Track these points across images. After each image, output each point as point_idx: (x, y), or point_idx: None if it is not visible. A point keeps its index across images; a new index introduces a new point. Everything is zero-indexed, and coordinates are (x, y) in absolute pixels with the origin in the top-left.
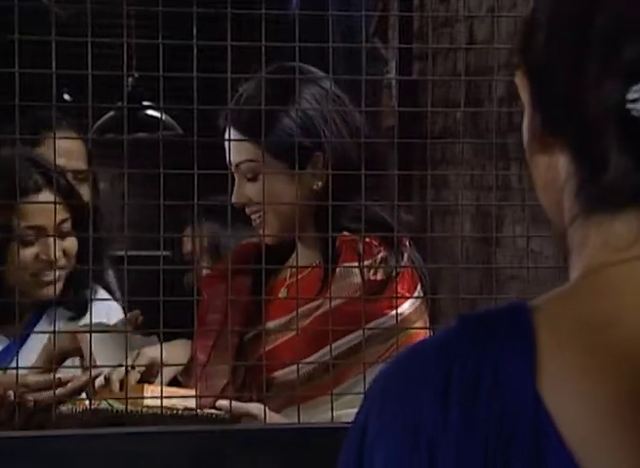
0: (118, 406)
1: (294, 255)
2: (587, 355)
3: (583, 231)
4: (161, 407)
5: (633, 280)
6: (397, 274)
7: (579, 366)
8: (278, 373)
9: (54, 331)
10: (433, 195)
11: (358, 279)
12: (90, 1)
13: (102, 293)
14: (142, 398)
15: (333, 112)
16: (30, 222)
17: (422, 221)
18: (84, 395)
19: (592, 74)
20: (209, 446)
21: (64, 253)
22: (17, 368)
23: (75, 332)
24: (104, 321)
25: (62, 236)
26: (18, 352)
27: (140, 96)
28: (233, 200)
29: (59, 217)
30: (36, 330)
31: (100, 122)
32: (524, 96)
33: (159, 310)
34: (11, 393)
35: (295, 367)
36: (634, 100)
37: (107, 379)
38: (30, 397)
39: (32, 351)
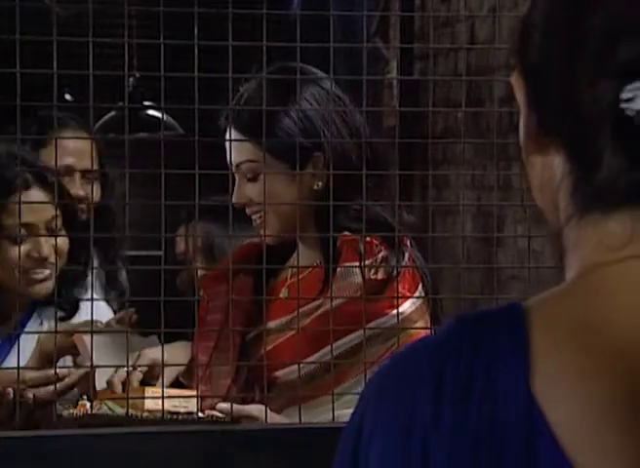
0: (119, 410)
1: (294, 255)
2: (583, 355)
3: (579, 231)
4: (162, 408)
5: (628, 279)
6: (398, 273)
7: (574, 365)
8: (280, 373)
9: (55, 331)
10: (434, 195)
11: (359, 278)
12: (91, 1)
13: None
14: (143, 398)
15: (333, 112)
16: (20, 220)
17: (424, 221)
18: (83, 396)
19: (587, 74)
20: (209, 446)
21: (56, 250)
22: (17, 368)
23: (77, 333)
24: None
25: (53, 233)
26: (19, 351)
27: (142, 96)
28: (234, 200)
29: (48, 214)
30: (26, 329)
31: (101, 122)
32: (519, 96)
33: (156, 310)
34: (10, 390)
35: (296, 366)
36: (628, 100)
37: (109, 383)
38: (28, 393)
39: (23, 350)
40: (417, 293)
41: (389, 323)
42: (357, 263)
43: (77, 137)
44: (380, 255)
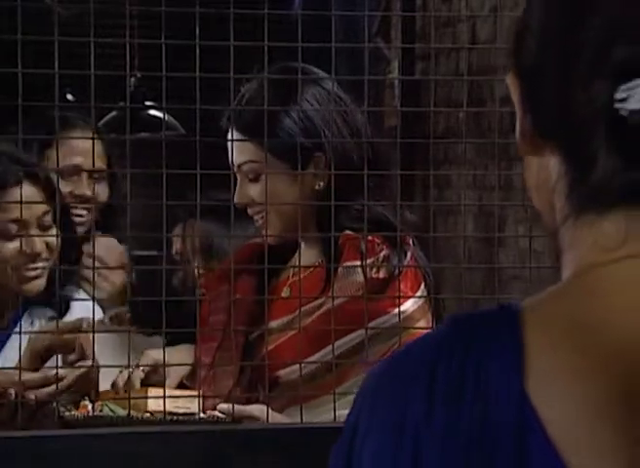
0: (120, 411)
1: (296, 255)
2: (579, 355)
3: (574, 231)
4: (164, 408)
5: (622, 280)
6: (400, 272)
7: (570, 365)
8: (282, 372)
9: (56, 331)
10: (436, 195)
11: (361, 277)
12: (92, 1)
13: (81, 294)
14: (145, 398)
15: (334, 113)
16: (11, 215)
17: (425, 221)
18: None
19: (582, 75)
20: (210, 446)
21: (47, 246)
22: (19, 368)
23: (79, 333)
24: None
25: (44, 229)
26: (20, 350)
27: (143, 96)
28: (236, 200)
29: (39, 210)
30: (17, 329)
31: (102, 122)
32: (515, 97)
33: (156, 310)
34: (12, 391)
35: (298, 366)
36: (622, 100)
37: (114, 384)
38: (29, 394)
39: (13, 349)
40: (419, 292)
41: (391, 322)
42: (359, 262)
43: (78, 137)
44: (381, 254)
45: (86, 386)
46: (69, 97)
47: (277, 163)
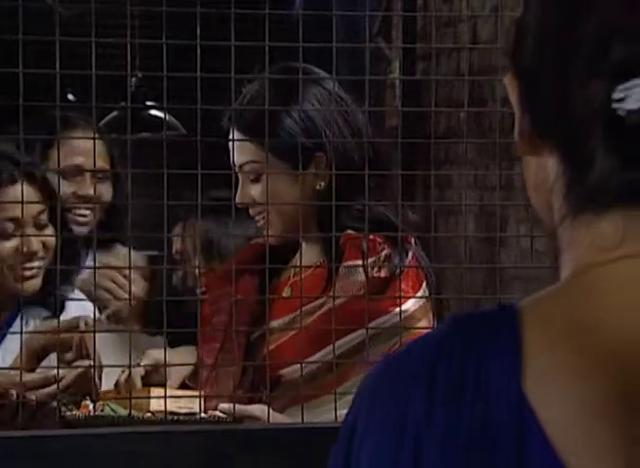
0: (121, 411)
1: (298, 255)
2: (577, 355)
3: (572, 231)
4: (165, 408)
5: (620, 280)
6: (401, 271)
7: (568, 365)
8: (284, 372)
9: (56, 331)
10: (437, 195)
11: (362, 277)
12: (93, 1)
13: (77, 293)
14: (146, 398)
15: (335, 113)
16: (7, 214)
17: (426, 221)
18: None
19: (579, 75)
20: (211, 446)
21: (44, 245)
22: (20, 368)
23: (80, 333)
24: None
25: (40, 227)
26: (21, 351)
27: (144, 96)
28: (237, 201)
29: (35, 209)
30: (12, 329)
31: (103, 122)
32: (513, 97)
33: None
34: (14, 392)
35: (300, 365)
36: (620, 100)
37: (117, 384)
38: (30, 395)
39: (7, 351)
40: (421, 291)
41: (392, 321)
42: (360, 261)
43: (78, 137)
44: (383, 254)
45: (85, 386)
46: (70, 96)
47: (278, 163)
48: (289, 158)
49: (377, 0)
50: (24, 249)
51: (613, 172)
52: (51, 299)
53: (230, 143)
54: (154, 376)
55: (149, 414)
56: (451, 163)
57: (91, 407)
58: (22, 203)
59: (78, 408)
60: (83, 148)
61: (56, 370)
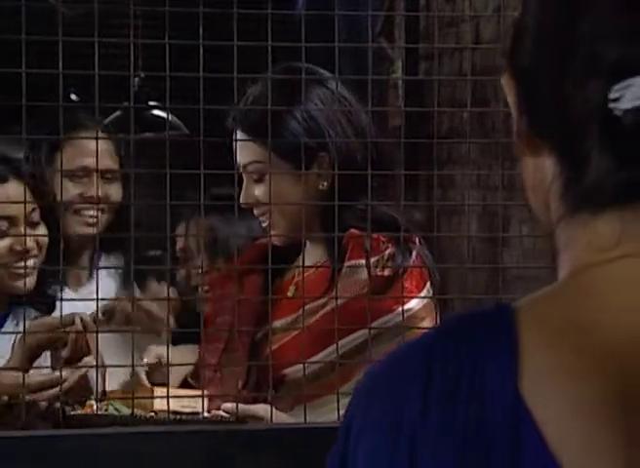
0: (125, 410)
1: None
2: (574, 355)
3: (569, 231)
4: (167, 407)
5: (617, 280)
6: (405, 271)
7: (565, 365)
8: (288, 371)
9: (58, 326)
10: (440, 195)
11: (365, 275)
12: (96, 1)
13: (69, 292)
14: (149, 398)
15: (338, 113)
16: (0, 213)
17: (429, 221)
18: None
19: (576, 76)
20: (213, 446)
21: (37, 243)
22: (23, 369)
23: (81, 333)
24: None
25: (33, 226)
26: (19, 349)
27: (147, 96)
28: (241, 201)
29: (27, 207)
30: (3, 330)
31: (106, 122)
32: (510, 97)
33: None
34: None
35: (304, 364)
36: (616, 100)
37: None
38: (37, 396)
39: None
40: (424, 291)
41: (396, 320)
42: (364, 260)
43: (81, 137)
44: (386, 252)
45: (85, 386)
46: (73, 97)
47: (281, 163)
48: (292, 158)
49: (379, 0)
50: (19, 247)
51: (609, 171)
52: (43, 298)
53: (235, 144)
54: (156, 373)
55: (153, 414)
56: (453, 163)
57: (95, 406)
58: (26, 201)
59: (83, 407)
60: (91, 149)
61: (59, 371)
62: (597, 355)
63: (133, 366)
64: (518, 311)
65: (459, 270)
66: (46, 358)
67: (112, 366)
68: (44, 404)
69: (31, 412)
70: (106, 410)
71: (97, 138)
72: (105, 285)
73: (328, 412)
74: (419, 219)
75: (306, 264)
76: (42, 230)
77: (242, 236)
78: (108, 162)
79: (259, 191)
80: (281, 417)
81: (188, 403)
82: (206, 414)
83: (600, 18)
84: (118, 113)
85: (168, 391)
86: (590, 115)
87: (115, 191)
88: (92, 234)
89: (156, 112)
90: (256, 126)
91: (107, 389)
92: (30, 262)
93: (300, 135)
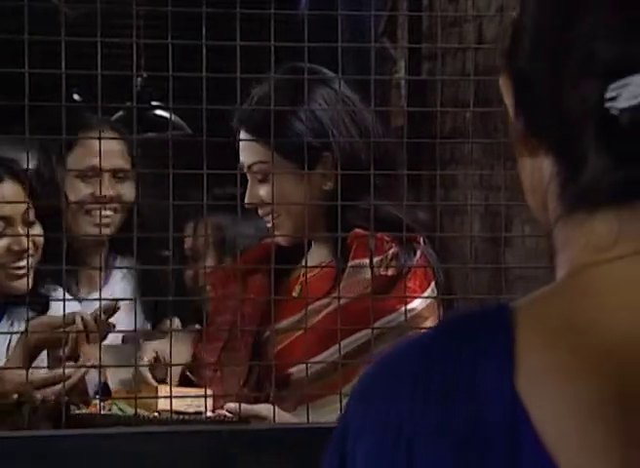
0: (129, 410)
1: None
2: (571, 355)
3: (567, 231)
4: (170, 407)
5: (614, 280)
6: (408, 270)
7: (562, 365)
8: (292, 371)
9: (63, 331)
10: (442, 195)
11: (369, 275)
12: (99, 1)
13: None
14: (152, 397)
15: (342, 112)
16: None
17: (432, 221)
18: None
19: (573, 76)
20: (215, 446)
21: (33, 243)
22: (27, 368)
23: (81, 332)
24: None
25: (29, 225)
26: (16, 349)
27: (149, 95)
28: (246, 201)
29: (22, 207)
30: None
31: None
32: (507, 98)
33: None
34: (38, 395)
35: (307, 364)
36: (612, 99)
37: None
38: (39, 395)
39: None
40: (429, 290)
41: (400, 319)
42: (368, 260)
43: (85, 137)
44: (390, 252)
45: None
46: (76, 97)
47: (286, 163)
48: (296, 158)
49: (382, 0)
50: (16, 247)
51: (605, 171)
52: (37, 298)
53: (239, 144)
54: (156, 370)
55: (156, 414)
56: (456, 163)
57: (99, 405)
58: (31, 202)
59: (87, 406)
60: (103, 149)
61: (62, 369)
62: (594, 355)
63: (135, 366)
64: (517, 311)
65: (461, 270)
66: (42, 358)
67: (114, 366)
68: (50, 404)
69: (37, 413)
70: (110, 410)
71: (99, 138)
72: (121, 289)
73: (330, 412)
74: (423, 219)
75: (312, 264)
76: (37, 230)
77: (250, 235)
78: (120, 161)
79: (263, 191)
80: (284, 417)
81: (192, 401)
82: (209, 414)
83: (596, 17)
84: (121, 113)
85: (170, 391)
86: (587, 115)
87: (128, 191)
88: (98, 235)
89: (159, 112)
90: (260, 126)
91: (111, 387)
92: (25, 263)
93: (303, 135)
